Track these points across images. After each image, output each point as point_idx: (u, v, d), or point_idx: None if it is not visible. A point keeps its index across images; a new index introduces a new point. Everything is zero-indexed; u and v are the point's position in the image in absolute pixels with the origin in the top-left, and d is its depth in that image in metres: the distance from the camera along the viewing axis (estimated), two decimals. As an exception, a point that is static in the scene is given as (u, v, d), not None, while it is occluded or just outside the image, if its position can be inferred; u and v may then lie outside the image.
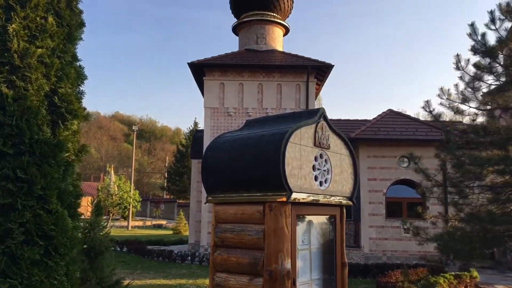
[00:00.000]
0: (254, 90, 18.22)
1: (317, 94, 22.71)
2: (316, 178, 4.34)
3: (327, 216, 4.68)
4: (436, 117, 10.21)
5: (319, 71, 18.93)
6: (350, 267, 13.78)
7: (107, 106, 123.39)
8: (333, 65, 18.02)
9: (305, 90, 18.28)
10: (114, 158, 69.34)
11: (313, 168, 4.31)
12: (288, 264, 3.84)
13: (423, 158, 11.73)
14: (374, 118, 18.64)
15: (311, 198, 4.19)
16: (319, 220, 4.64)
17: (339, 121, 22.59)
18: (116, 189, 35.57)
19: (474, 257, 9.40)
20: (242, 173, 4.11)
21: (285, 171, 3.85)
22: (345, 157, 4.80)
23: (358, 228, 16.72)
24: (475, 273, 11.47)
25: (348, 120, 22.24)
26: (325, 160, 4.49)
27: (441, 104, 10.61)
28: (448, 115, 13.06)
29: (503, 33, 10.01)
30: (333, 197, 4.54)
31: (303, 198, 4.08)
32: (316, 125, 4.37)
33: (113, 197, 35.36)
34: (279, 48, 20.47)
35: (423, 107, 10.17)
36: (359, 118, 22.17)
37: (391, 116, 18.78)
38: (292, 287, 3.91)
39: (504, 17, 9.81)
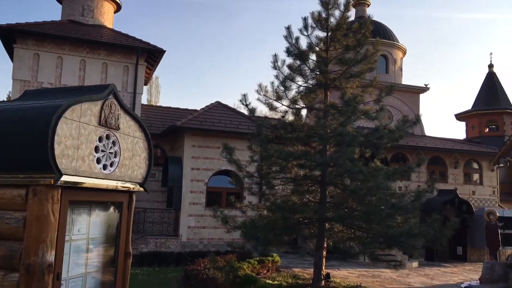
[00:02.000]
0: (75, 66, 16.61)
1: (148, 78, 21.98)
2: (99, 161, 3.94)
3: (113, 203, 4.32)
4: (251, 111, 10.71)
5: (151, 55, 18.27)
6: (164, 256, 13.68)
7: None
8: (165, 50, 17.58)
9: (134, 72, 17.45)
10: None
11: (96, 149, 3.90)
12: (50, 257, 3.36)
13: (244, 150, 12.14)
14: (201, 109, 18.85)
15: (90, 182, 3.78)
16: (102, 207, 4.25)
17: (168, 109, 22.30)
18: None
19: (274, 243, 10.17)
20: (2, 150, 3.46)
21: (54, 150, 3.36)
22: (139, 140, 4.51)
23: (178, 216, 16.71)
24: (277, 258, 12.49)
25: (178, 108, 22.11)
26: (113, 142, 4.12)
27: (258, 99, 11.19)
28: (265, 110, 13.93)
29: (314, 40, 11.02)
30: (120, 182, 4.20)
31: (79, 182, 3.64)
32: (104, 102, 3.96)
33: None
34: (108, 25, 19.09)
35: (240, 100, 10.55)
36: (190, 108, 22.21)
37: (218, 108, 19.24)
38: (56, 282, 3.45)
39: (315, 25, 10.81)
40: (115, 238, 4.30)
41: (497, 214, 15.40)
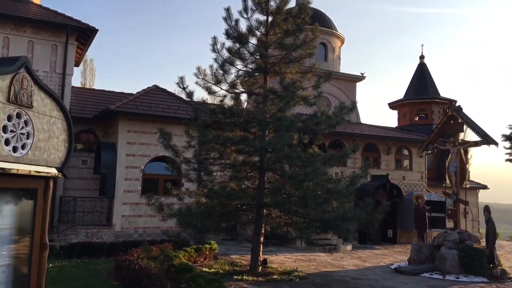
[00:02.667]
0: (-3, 43, 15.24)
1: (80, 59, 20.70)
2: (7, 142, 3.49)
3: (26, 189, 3.88)
4: (189, 94, 10.36)
5: (82, 33, 17.16)
6: (96, 246, 13.03)
7: None
8: (97, 29, 16.58)
9: (63, 52, 16.33)
10: None
11: (4, 129, 3.45)
12: None
13: (183, 136, 11.69)
14: (138, 92, 18.07)
15: (-4, 166, 3.33)
16: (14, 194, 3.80)
17: (102, 92, 21.22)
18: None
19: (212, 230, 9.98)
20: None
21: None
22: (57, 120, 4.07)
23: (112, 205, 16.00)
24: (214, 245, 12.31)
25: (113, 92, 21.09)
26: (25, 122, 3.66)
27: (197, 83, 10.84)
28: (204, 94, 13.59)
29: (254, 23, 10.82)
30: (34, 167, 3.77)
31: (-18, 166, 3.19)
32: (13, 77, 3.50)
33: None
34: (36, 0, 17.70)
35: (177, 83, 10.15)
36: (126, 92, 21.27)
37: (156, 92, 18.53)
38: (-47, 280, 3.01)
39: (255, 8, 10.60)
40: (30, 229, 3.87)
41: (425, 198, 16.24)
